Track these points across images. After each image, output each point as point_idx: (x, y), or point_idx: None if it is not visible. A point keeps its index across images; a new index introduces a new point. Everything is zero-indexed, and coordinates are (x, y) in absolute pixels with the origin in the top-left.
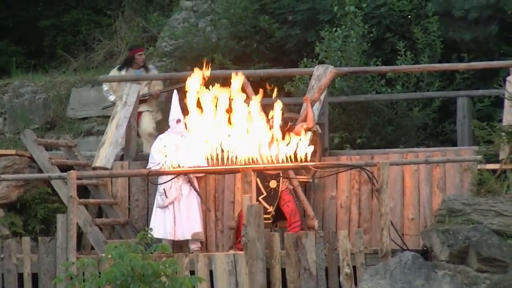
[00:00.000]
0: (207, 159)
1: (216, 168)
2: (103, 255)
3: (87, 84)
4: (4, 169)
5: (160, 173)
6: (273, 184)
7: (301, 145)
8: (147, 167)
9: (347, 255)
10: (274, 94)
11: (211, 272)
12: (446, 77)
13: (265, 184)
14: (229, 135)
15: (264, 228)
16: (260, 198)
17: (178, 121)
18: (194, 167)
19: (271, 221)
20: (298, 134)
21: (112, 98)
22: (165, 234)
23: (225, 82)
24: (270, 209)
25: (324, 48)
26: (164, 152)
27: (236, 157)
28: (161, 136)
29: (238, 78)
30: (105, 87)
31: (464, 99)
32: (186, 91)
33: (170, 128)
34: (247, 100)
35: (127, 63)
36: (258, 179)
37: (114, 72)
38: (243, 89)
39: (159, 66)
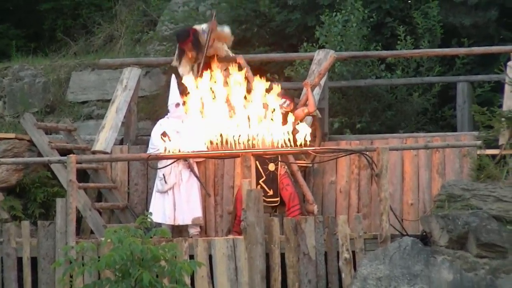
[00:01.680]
0: (207, 143)
1: (216, 152)
2: (103, 239)
3: (87, 68)
4: (3, 152)
5: (159, 158)
6: (271, 167)
7: (301, 129)
8: (147, 152)
9: (346, 240)
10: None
11: (210, 256)
12: (446, 62)
13: (264, 167)
14: (229, 120)
15: (264, 212)
16: (260, 182)
17: (177, 105)
18: (193, 151)
19: (276, 204)
20: (298, 118)
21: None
22: (165, 218)
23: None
24: (271, 192)
25: (324, 33)
26: (165, 138)
27: (236, 141)
28: (160, 121)
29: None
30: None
31: (464, 84)
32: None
33: (170, 112)
34: (248, 84)
35: (179, 56)
36: (257, 162)
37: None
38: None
39: (159, 50)
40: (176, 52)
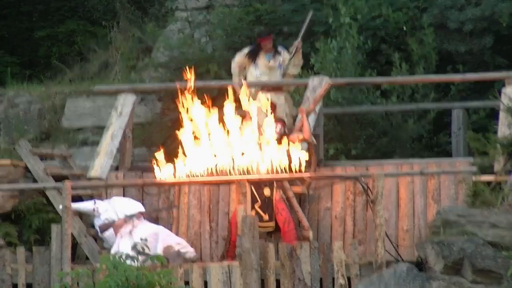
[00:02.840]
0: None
1: (211, 179)
2: (98, 265)
3: (82, 95)
4: None
5: (154, 184)
6: (267, 192)
7: (296, 155)
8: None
9: (341, 266)
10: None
11: (205, 282)
12: (441, 88)
13: (259, 191)
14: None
15: (260, 237)
16: (255, 206)
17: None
18: (189, 178)
19: (272, 230)
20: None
21: (236, 79)
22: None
23: (221, 92)
24: (266, 217)
25: (319, 60)
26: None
27: (231, 168)
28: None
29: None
30: (234, 65)
31: (459, 110)
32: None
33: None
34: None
35: (254, 51)
36: (252, 187)
37: (240, 57)
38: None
39: (154, 76)
40: (249, 48)
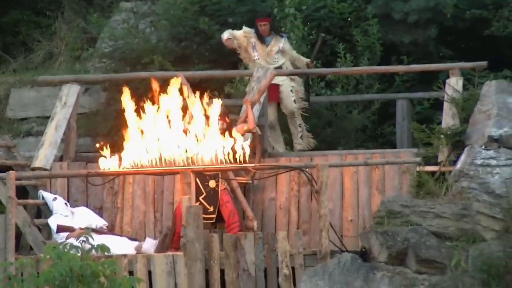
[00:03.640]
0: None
1: (155, 169)
2: (42, 255)
3: (27, 85)
4: None
5: (99, 174)
6: (212, 184)
7: (240, 145)
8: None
9: (286, 256)
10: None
11: (149, 272)
12: (385, 79)
13: (204, 184)
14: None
15: (204, 228)
16: (200, 198)
17: (54, 199)
18: (134, 168)
19: (213, 221)
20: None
21: (225, 35)
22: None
23: (165, 83)
24: (211, 209)
25: None
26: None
27: (175, 158)
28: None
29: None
30: (225, 35)
31: (404, 101)
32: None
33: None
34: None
35: (257, 33)
36: (197, 179)
37: (239, 34)
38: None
39: (99, 67)
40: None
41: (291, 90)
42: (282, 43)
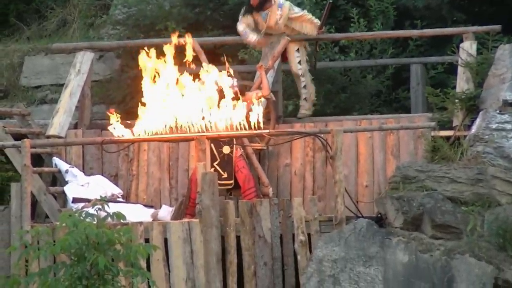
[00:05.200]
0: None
1: (170, 136)
2: (58, 223)
3: (41, 52)
4: None
5: (114, 141)
6: (226, 150)
7: (254, 112)
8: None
9: (301, 223)
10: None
11: (165, 240)
12: (399, 44)
13: (218, 149)
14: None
15: (219, 195)
16: (214, 164)
17: (66, 171)
18: (149, 135)
19: (230, 187)
20: (251, 101)
21: (254, 37)
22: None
23: (179, 49)
24: (225, 174)
25: None
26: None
27: (190, 125)
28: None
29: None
30: (241, 27)
31: (418, 66)
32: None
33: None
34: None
35: (247, 9)
36: (212, 145)
37: (242, 17)
38: (197, 57)
39: (113, 34)
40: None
41: (297, 50)
42: (279, 13)
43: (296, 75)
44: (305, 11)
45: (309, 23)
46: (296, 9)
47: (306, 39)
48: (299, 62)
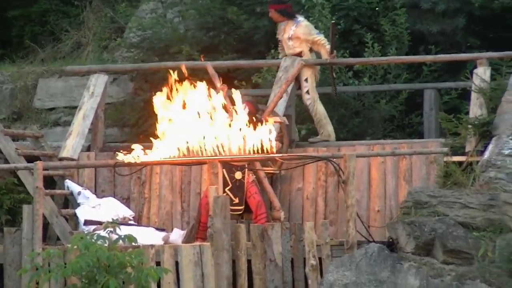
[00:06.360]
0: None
1: (183, 159)
2: (69, 245)
3: (55, 75)
4: None
5: (126, 164)
6: (238, 175)
7: (267, 136)
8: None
9: (313, 247)
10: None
11: (176, 263)
12: (413, 69)
13: (230, 175)
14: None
15: (231, 218)
16: (226, 190)
17: (79, 193)
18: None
19: (241, 212)
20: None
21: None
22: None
23: (193, 73)
24: (236, 200)
25: None
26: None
27: (202, 149)
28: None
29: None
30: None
31: (431, 91)
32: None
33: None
34: (216, 91)
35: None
36: (224, 170)
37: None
38: (211, 81)
39: (127, 57)
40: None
41: (305, 80)
42: (293, 29)
43: (305, 104)
44: (322, 35)
45: (323, 48)
46: (314, 31)
47: (320, 64)
48: (307, 92)
